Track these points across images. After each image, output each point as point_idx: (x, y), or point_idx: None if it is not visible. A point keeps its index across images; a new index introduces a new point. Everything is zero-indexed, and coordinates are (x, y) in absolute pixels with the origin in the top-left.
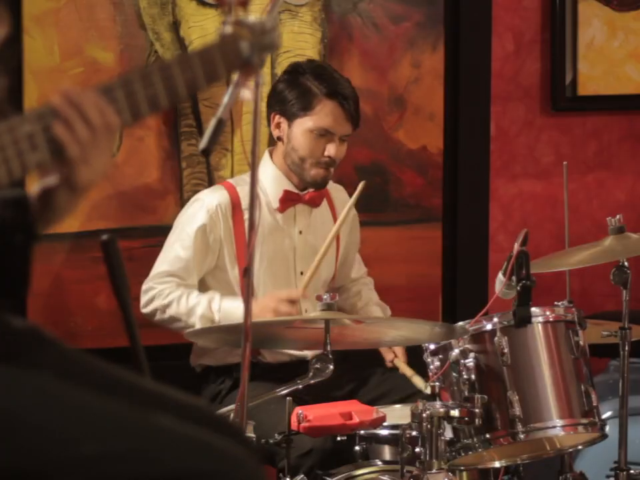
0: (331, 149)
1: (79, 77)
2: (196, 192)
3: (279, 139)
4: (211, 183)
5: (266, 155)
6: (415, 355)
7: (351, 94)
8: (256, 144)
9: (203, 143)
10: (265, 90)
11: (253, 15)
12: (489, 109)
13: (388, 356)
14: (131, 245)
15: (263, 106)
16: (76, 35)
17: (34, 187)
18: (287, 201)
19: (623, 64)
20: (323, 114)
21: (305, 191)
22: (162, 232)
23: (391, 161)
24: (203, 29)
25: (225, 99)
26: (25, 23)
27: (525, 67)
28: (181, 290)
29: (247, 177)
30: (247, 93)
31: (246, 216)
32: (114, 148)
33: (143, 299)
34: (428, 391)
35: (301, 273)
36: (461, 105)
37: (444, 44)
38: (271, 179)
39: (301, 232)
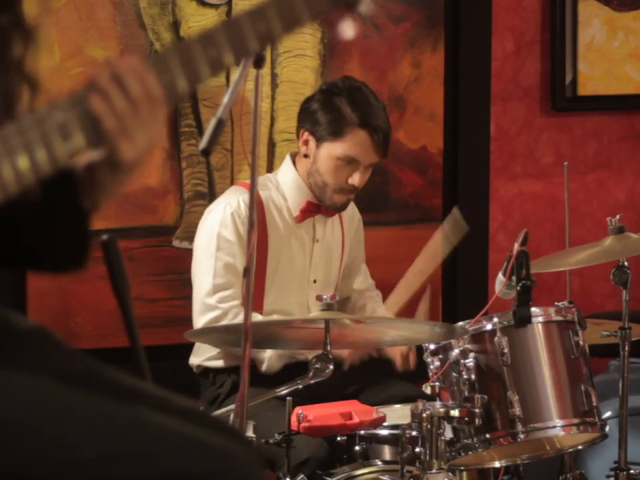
0: (355, 178)
1: (79, 77)
2: (196, 192)
3: (306, 156)
4: (210, 182)
5: (288, 159)
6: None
7: (383, 125)
8: (256, 144)
9: (202, 143)
10: (265, 90)
11: None
12: (488, 109)
13: (397, 357)
14: (130, 245)
15: (264, 106)
16: (76, 35)
17: (81, 160)
18: (308, 212)
19: (623, 64)
20: (352, 143)
21: (323, 202)
22: (162, 232)
23: (391, 161)
24: (203, 29)
25: (225, 99)
26: None
27: (525, 67)
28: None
29: (268, 182)
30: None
31: (268, 221)
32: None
33: (205, 317)
34: (428, 390)
35: (314, 281)
36: (461, 105)
37: (444, 44)
38: (293, 187)
39: (317, 240)
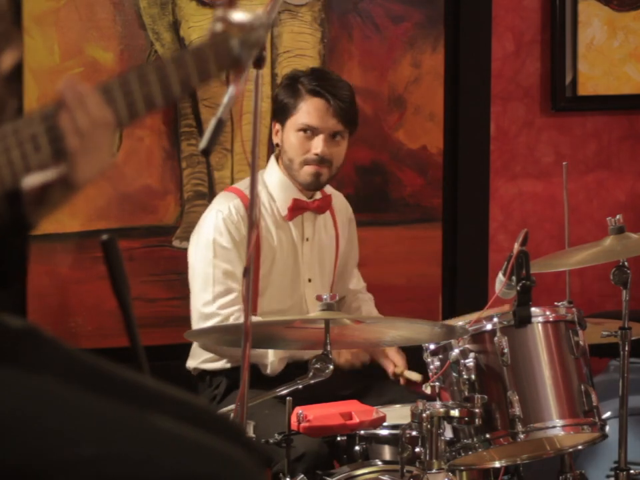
0: (317, 146)
1: (78, 77)
2: (196, 192)
3: (277, 145)
4: (210, 182)
5: (272, 160)
6: (415, 355)
7: (340, 92)
8: (256, 144)
9: (202, 143)
10: (265, 90)
11: (242, 12)
12: (488, 109)
13: (389, 368)
14: (130, 245)
15: (264, 106)
16: (76, 35)
17: (27, 180)
18: (296, 209)
19: (623, 64)
20: (306, 111)
21: (312, 199)
22: (162, 232)
23: (391, 161)
24: (203, 28)
25: (225, 99)
26: (25, 23)
27: (525, 67)
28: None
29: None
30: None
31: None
32: (113, 148)
33: (205, 325)
34: (428, 390)
35: (309, 280)
36: (461, 105)
37: (444, 44)
38: (279, 186)
39: (307, 239)
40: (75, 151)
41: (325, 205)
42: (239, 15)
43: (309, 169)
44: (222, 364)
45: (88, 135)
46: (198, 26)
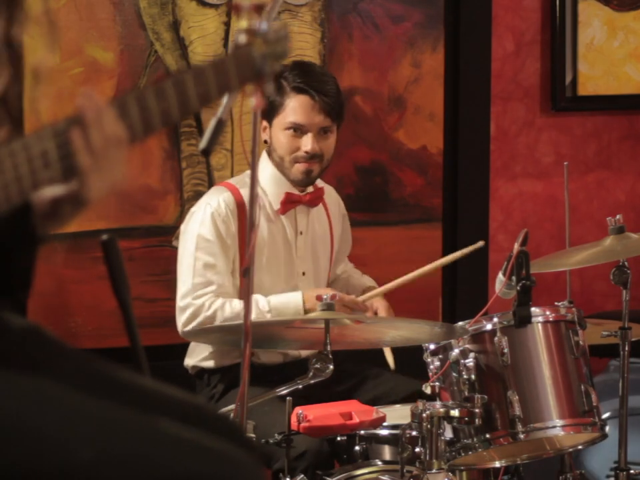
0: (306, 144)
1: (79, 77)
2: (196, 192)
3: (266, 142)
4: (210, 182)
5: (264, 156)
6: (414, 355)
7: (326, 86)
8: (256, 144)
9: (202, 143)
10: None
11: (266, 22)
12: (489, 109)
13: (368, 313)
14: (131, 245)
15: None
16: (76, 35)
17: (39, 193)
18: (288, 203)
19: (623, 64)
20: (292, 109)
21: (304, 192)
22: (162, 232)
23: (391, 160)
24: (203, 28)
25: (225, 99)
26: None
27: (525, 67)
28: (221, 299)
29: (247, 178)
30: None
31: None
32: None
33: (182, 317)
34: (428, 390)
35: (303, 274)
36: (461, 105)
37: (444, 44)
38: (271, 180)
39: (301, 232)
40: (86, 168)
41: (317, 198)
42: (263, 26)
43: (300, 167)
44: (220, 362)
45: (100, 153)
46: (198, 26)
